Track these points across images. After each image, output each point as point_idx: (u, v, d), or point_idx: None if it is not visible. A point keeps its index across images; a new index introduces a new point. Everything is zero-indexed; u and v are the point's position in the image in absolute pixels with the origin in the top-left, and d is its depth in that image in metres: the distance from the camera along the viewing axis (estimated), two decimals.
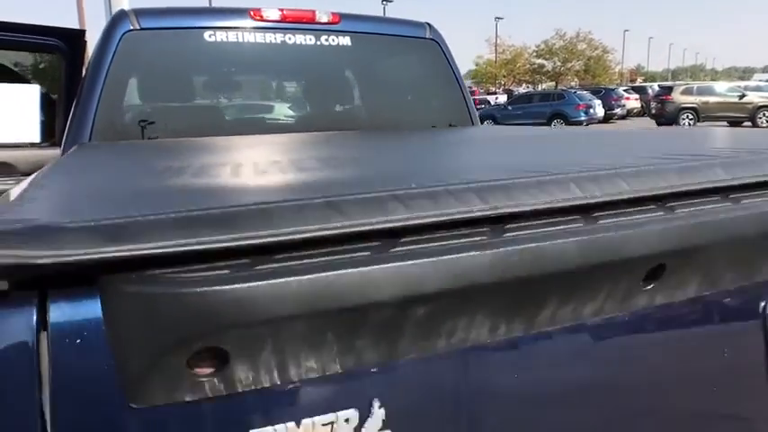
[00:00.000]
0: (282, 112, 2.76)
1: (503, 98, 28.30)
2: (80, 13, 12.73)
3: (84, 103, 2.07)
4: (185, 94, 2.49)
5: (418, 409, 0.58)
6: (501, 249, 0.56)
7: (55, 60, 2.79)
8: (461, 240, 0.55)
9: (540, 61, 45.26)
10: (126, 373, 0.47)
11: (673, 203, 0.69)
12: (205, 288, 0.45)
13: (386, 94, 2.89)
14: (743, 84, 20.19)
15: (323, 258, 0.49)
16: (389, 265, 0.51)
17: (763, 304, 0.83)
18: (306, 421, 0.53)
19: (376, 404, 0.56)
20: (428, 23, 2.95)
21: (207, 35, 2.35)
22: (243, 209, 0.50)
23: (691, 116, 16.61)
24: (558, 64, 43.95)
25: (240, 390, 0.51)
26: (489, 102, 26.80)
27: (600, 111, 18.91)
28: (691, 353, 0.79)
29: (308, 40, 2.57)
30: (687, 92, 17.35)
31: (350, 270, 0.50)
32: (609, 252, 0.62)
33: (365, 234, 0.52)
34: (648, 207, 0.68)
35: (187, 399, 0.49)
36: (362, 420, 0.55)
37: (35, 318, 0.46)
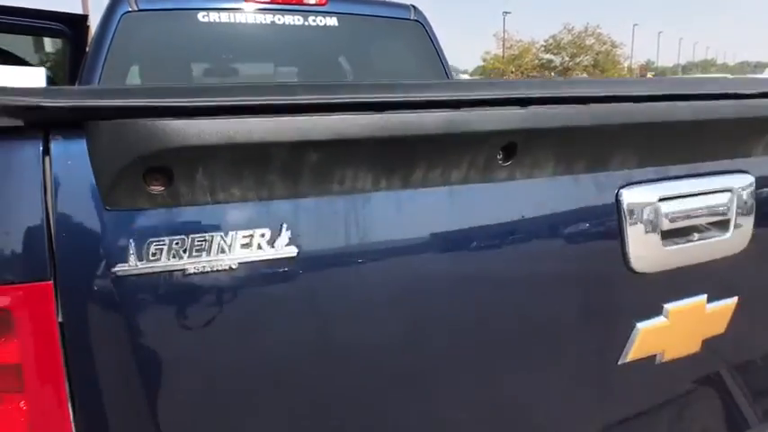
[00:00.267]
0: None
1: None
2: None
3: (84, 83, 2.30)
4: (182, 72, 2.71)
5: (317, 234, 0.81)
6: (377, 114, 0.78)
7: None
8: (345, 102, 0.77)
9: (548, 56, 45.28)
10: (102, 184, 0.70)
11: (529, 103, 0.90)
12: (154, 120, 0.68)
13: (371, 73, 3.09)
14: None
15: (239, 103, 0.72)
16: (287, 117, 0.74)
17: (616, 191, 1.04)
18: (232, 233, 0.76)
19: (284, 227, 0.78)
20: (413, 6, 3.16)
21: (201, 16, 2.58)
22: (185, 90, 0.73)
23: None
24: (567, 59, 43.94)
25: (183, 204, 0.73)
26: None
27: None
28: (549, 231, 1.00)
29: (297, 20, 2.79)
30: None
31: (259, 116, 0.72)
32: (463, 125, 0.84)
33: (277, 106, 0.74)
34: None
35: (145, 206, 0.72)
36: (274, 238, 0.78)
37: (41, 146, 0.69)
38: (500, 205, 0.95)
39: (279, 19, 2.77)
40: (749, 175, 1.17)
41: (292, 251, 0.78)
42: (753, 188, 1.18)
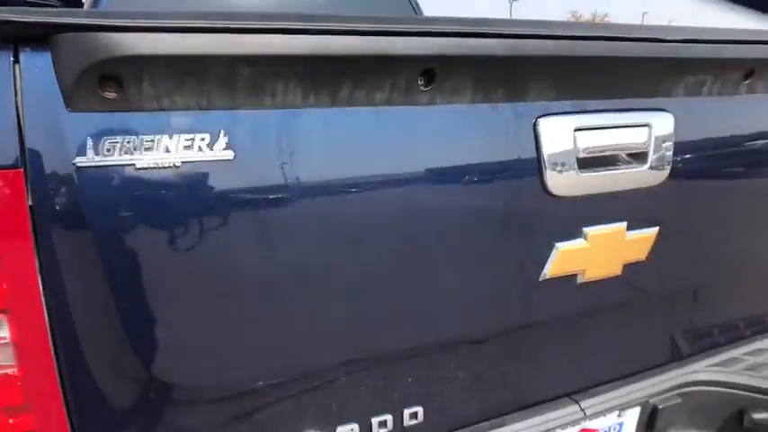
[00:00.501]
0: None
1: None
2: None
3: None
4: None
5: (251, 142, 0.94)
6: (306, 36, 0.91)
7: None
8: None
9: None
10: (64, 89, 0.84)
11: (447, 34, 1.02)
12: (105, 34, 0.82)
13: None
14: None
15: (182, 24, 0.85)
16: (221, 35, 0.87)
17: (534, 121, 1.16)
18: (176, 135, 0.89)
19: (222, 132, 0.92)
20: None
21: None
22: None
23: None
24: None
25: (133, 109, 0.87)
26: None
27: None
28: (470, 155, 1.12)
29: None
30: None
31: (198, 34, 0.86)
32: (385, 49, 0.97)
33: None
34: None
35: (100, 109, 0.86)
36: (212, 142, 0.91)
37: (12, 56, 0.83)
38: (423, 128, 1.07)
39: None
40: (669, 114, 1.29)
41: (229, 155, 0.92)
42: (672, 125, 1.29)
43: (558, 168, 1.17)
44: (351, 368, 1.12)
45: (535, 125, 1.14)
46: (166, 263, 0.91)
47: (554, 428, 1.35)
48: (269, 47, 0.89)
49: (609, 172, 1.23)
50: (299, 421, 1.11)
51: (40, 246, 0.85)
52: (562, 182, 1.17)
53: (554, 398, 1.40)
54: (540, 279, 1.21)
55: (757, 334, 1.75)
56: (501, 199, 1.16)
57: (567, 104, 1.17)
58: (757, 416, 1.54)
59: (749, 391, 1.55)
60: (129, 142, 0.87)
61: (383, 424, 1.18)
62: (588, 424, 1.42)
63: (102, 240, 0.87)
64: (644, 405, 1.48)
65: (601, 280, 1.29)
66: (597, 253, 1.26)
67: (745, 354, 1.66)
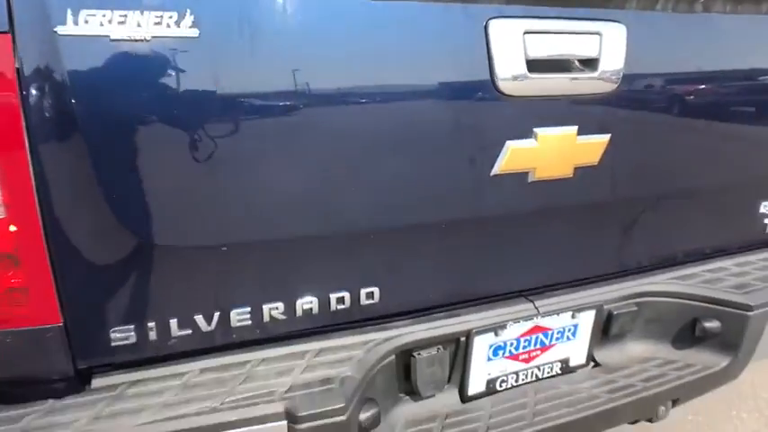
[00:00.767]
0: None
1: None
2: None
3: None
4: None
5: (215, 21, 1.05)
6: None
7: None
8: None
9: None
10: None
11: None
12: None
13: None
14: None
15: None
16: None
17: (485, 22, 1.25)
18: (146, 12, 1.01)
19: (188, 11, 1.03)
20: None
21: None
22: None
23: None
24: None
25: None
26: None
27: None
28: (422, 54, 1.21)
29: None
30: None
31: None
32: None
33: None
34: None
35: None
36: (180, 19, 1.02)
37: None
38: (376, 27, 1.17)
39: None
40: (621, 25, 1.36)
41: (194, 32, 1.03)
42: (624, 36, 1.36)
43: (508, 69, 1.25)
44: (312, 244, 1.23)
45: (486, 26, 1.23)
46: (134, 128, 1.03)
47: (506, 322, 1.46)
48: None
49: (559, 76, 1.31)
50: (259, 292, 1.23)
51: (25, 104, 0.97)
52: (512, 82, 1.26)
53: (508, 293, 1.50)
54: (492, 174, 1.31)
55: (721, 254, 1.83)
56: (454, 95, 1.25)
57: (518, 9, 1.26)
58: (708, 324, 1.63)
59: (702, 302, 1.64)
60: (104, 16, 0.98)
61: (341, 300, 1.30)
62: (541, 322, 1.52)
63: (79, 101, 0.99)
64: (598, 309, 1.57)
65: (552, 180, 1.38)
66: (547, 153, 1.35)
67: (705, 271, 1.75)
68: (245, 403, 1.14)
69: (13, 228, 1.04)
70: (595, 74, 1.34)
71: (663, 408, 1.62)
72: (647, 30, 1.40)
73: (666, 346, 1.70)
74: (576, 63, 1.33)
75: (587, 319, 1.58)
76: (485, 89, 1.25)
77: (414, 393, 1.44)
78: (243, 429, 1.12)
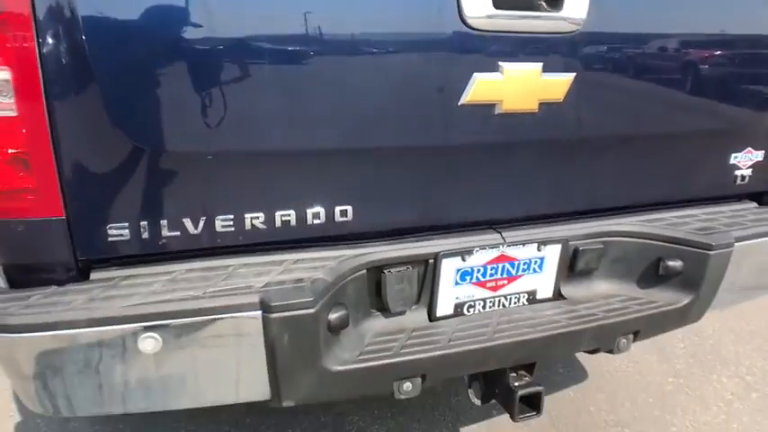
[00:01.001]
0: None
1: None
2: None
3: None
4: None
5: None
6: None
7: None
8: None
9: None
10: None
11: None
12: None
13: None
14: None
15: None
16: None
17: None
18: None
19: None
20: None
21: None
22: None
23: None
24: None
25: None
26: None
27: None
28: None
29: None
30: None
31: None
32: None
33: None
34: None
35: None
36: None
37: None
38: None
39: None
40: None
41: None
42: None
43: (475, 4, 1.36)
44: (290, 159, 1.36)
45: None
46: (134, 41, 1.16)
47: (473, 248, 1.57)
48: None
49: (524, 13, 1.42)
50: (241, 202, 1.36)
51: (35, 8, 1.10)
52: (478, 16, 1.37)
53: (475, 223, 1.61)
54: (460, 103, 1.42)
55: (691, 204, 1.92)
56: (424, 27, 1.37)
57: None
58: (671, 263, 1.72)
59: (665, 242, 1.73)
60: None
61: (317, 215, 1.43)
62: (507, 251, 1.63)
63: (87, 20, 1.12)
64: (564, 244, 1.68)
65: (518, 113, 1.48)
66: (512, 87, 1.45)
67: (674, 216, 1.84)
68: (225, 294, 1.28)
69: (24, 131, 1.18)
70: (560, 13, 1.44)
71: (624, 340, 1.72)
72: None
73: (631, 285, 1.79)
74: (542, 2, 1.43)
75: (553, 253, 1.68)
76: (453, 23, 1.36)
77: (384, 310, 1.56)
78: (222, 316, 1.25)
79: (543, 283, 1.72)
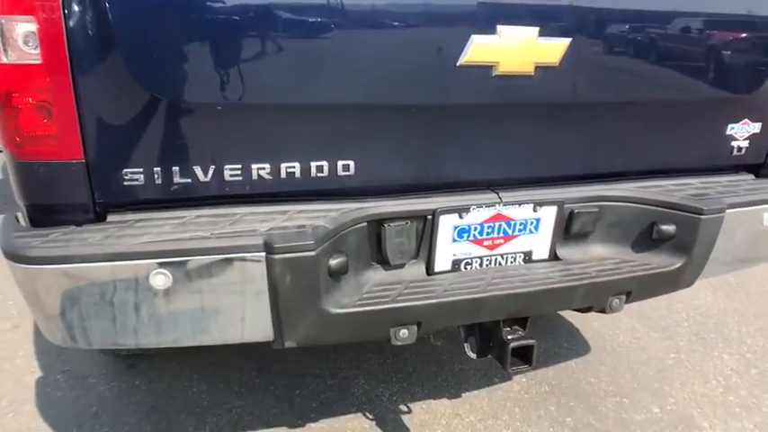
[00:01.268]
0: None
1: None
2: None
3: None
4: None
5: None
6: None
7: None
8: None
9: None
10: None
11: None
12: None
13: None
14: None
15: None
16: None
17: None
18: None
19: None
20: None
21: None
22: None
23: None
24: None
25: None
26: None
27: None
28: None
29: None
30: None
31: None
32: None
33: None
34: None
35: None
36: None
37: None
38: None
39: None
40: None
41: None
42: None
43: None
44: (296, 112, 1.44)
45: None
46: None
47: (470, 206, 1.64)
48: None
49: None
50: (249, 152, 1.44)
51: None
52: None
53: (473, 183, 1.68)
54: (458, 64, 1.48)
55: (688, 173, 1.97)
56: None
57: None
58: (664, 227, 1.78)
59: (659, 206, 1.79)
60: None
61: (320, 168, 1.51)
62: (504, 210, 1.70)
63: None
64: (560, 206, 1.74)
65: (514, 75, 1.55)
66: (509, 49, 1.52)
67: (670, 184, 1.89)
68: (231, 236, 1.36)
69: (48, 80, 1.27)
70: None
71: (616, 300, 1.78)
72: None
73: (626, 249, 1.85)
74: None
75: (549, 215, 1.75)
76: None
77: (384, 263, 1.63)
78: (228, 255, 1.34)
79: (539, 245, 1.78)
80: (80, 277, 1.29)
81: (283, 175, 1.48)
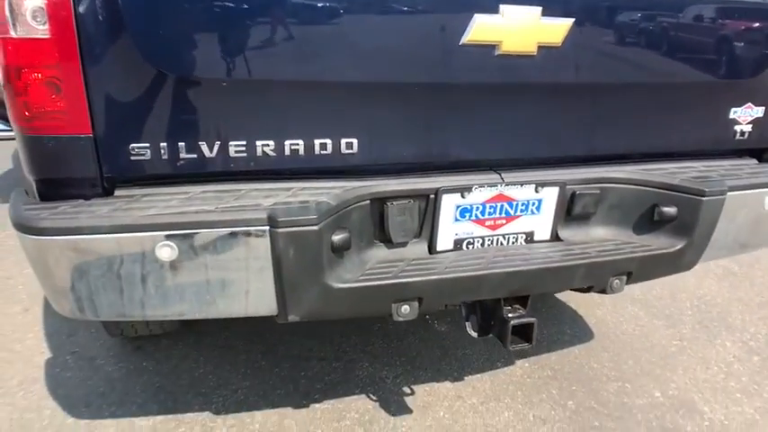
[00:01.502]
0: None
1: None
2: None
3: None
4: None
5: None
6: None
7: None
8: None
9: None
10: None
11: None
12: None
13: None
14: None
15: None
16: None
17: None
18: None
19: None
20: None
21: None
22: None
23: None
24: None
25: None
26: None
27: None
28: None
29: None
30: None
31: None
32: None
33: None
34: None
35: None
36: None
37: None
38: None
39: None
40: None
41: None
42: None
43: None
44: (300, 89, 1.46)
45: None
46: None
47: (472, 185, 1.66)
48: None
49: None
50: (253, 129, 1.46)
51: None
52: None
53: (475, 163, 1.70)
54: (461, 43, 1.50)
55: (692, 157, 1.98)
56: None
57: None
58: (665, 209, 1.79)
59: (660, 188, 1.80)
60: None
61: (324, 146, 1.53)
62: (505, 191, 1.72)
63: None
64: (561, 187, 1.75)
65: (517, 55, 1.56)
66: (512, 29, 1.53)
67: (673, 167, 1.90)
68: (236, 209, 1.39)
69: (56, 54, 1.30)
70: None
71: (617, 281, 1.79)
72: None
73: (627, 230, 1.86)
74: None
75: (551, 196, 1.76)
76: None
77: (387, 241, 1.65)
78: (232, 229, 1.36)
79: (541, 225, 1.80)
80: (88, 248, 1.32)
81: (287, 152, 1.50)
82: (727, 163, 2.00)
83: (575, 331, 2.90)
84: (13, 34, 1.26)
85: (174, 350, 2.61)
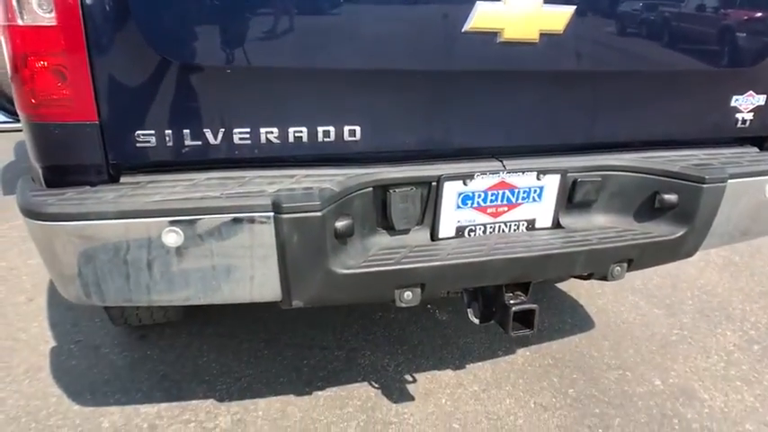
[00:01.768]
0: None
1: None
2: None
3: None
4: None
5: None
6: None
7: None
8: None
9: None
10: None
11: None
12: None
13: None
14: None
15: None
16: None
17: None
18: None
19: None
20: None
21: None
22: None
23: None
24: None
25: None
26: None
27: None
28: None
29: None
30: None
31: None
32: None
33: None
34: None
35: None
36: None
37: None
38: None
39: None
40: None
41: None
42: None
43: None
44: (304, 76, 1.47)
45: None
46: None
47: (474, 172, 1.67)
48: None
49: None
50: (257, 116, 1.47)
51: None
52: None
53: (477, 150, 1.71)
54: (463, 30, 1.51)
55: (693, 145, 1.98)
56: None
57: None
58: (666, 196, 1.80)
59: (661, 176, 1.81)
60: None
61: (327, 134, 1.54)
62: (507, 178, 1.73)
63: None
64: (563, 175, 1.77)
65: (519, 42, 1.57)
66: (514, 16, 1.54)
67: (675, 156, 1.91)
68: (240, 196, 1.40)
69: (62, 42, 1.30)
70: None
71: (618, 268, 1.81)
72: None
73: (628, 218, 1.87)
74: None
75: (552, 183, 1.77)
76: None
77: (390, 228, 1.67)
78: (237, 215, 1.38)
79: (542, 213, 1.81)
80: (94, 234, 1.33)
81: (291, 139, 1.51)
82: (728, 151, 2.01)
83: (575, 320, 2.92)
84: (19, 22, 1.27)
85: (178, 339, 2.63)
